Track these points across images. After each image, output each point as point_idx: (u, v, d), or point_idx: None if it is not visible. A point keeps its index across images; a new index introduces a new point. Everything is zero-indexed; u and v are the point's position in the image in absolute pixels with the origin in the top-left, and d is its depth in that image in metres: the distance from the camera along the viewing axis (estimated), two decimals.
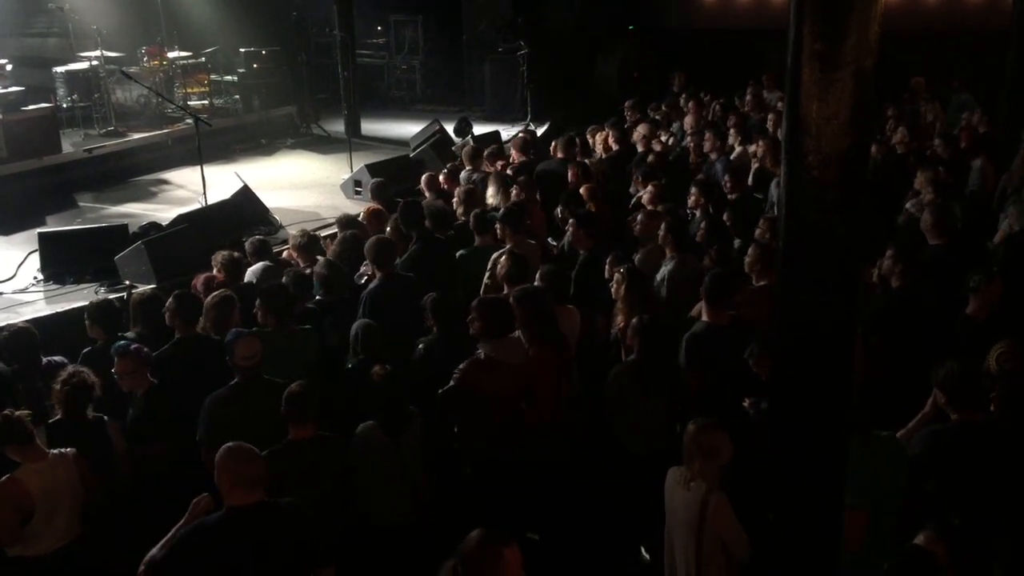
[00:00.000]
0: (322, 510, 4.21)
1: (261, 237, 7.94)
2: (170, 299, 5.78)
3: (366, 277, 6.79)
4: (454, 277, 6.93)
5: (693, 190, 7.93)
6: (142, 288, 7.29)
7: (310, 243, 7.25)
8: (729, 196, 8.01)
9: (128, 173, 12.03)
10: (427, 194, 8.75)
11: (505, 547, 3.14)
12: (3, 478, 4.39)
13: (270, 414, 4.70)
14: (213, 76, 14.35)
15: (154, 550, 3.99)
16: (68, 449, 4.60)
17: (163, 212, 9.88)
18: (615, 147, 10.54)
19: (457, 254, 7.12)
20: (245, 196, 9.71)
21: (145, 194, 11.42)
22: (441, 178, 9.12)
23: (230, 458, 3.86)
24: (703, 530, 4.07)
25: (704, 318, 5.61)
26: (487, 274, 6.61)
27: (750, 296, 5.94)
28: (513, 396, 5.26)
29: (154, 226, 8.77)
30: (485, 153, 9.82)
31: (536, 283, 6.00)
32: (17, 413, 4.49)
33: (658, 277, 6.56)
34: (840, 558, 3.75)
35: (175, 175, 12.00)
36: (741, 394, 5.06)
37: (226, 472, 3.84)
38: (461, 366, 5.20)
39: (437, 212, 7.49)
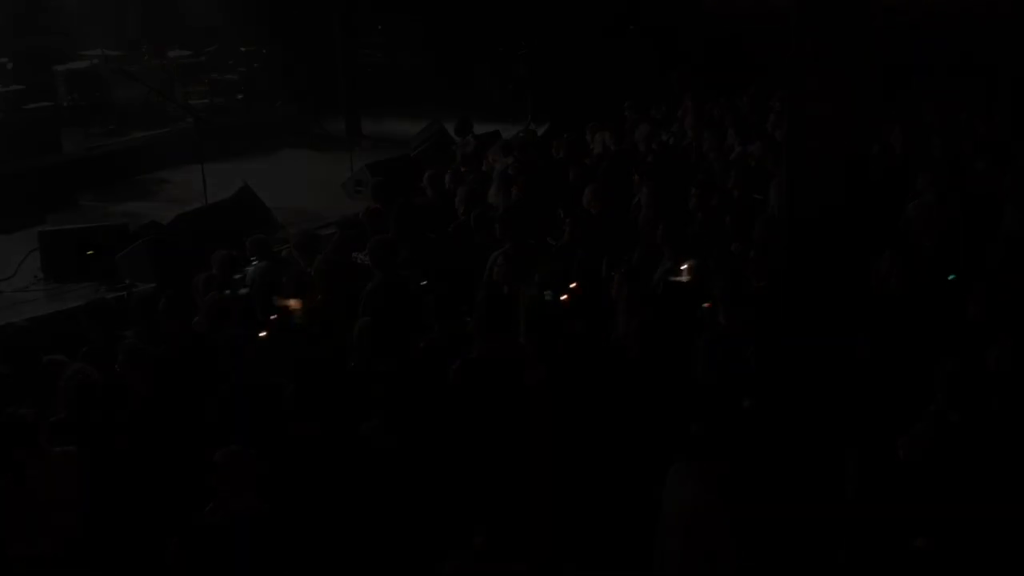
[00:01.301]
0: (323, 510, 4.21)
1: (261, 237, 7.94)
2: (161, 300, 5.80)
3: (360, 257, 6.84)
4: (450, 277, 6.92)
5: (693, 190, 7.93)
6: (142, 288, 7.30)
7: (310, 243, 7.26)
8: (729, 196, 8.01)
9: (129, 172, 12.01)
10: (429, 192, 8.76)
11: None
12: (4, 477, 4.39)
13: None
14: (214, 75, 14.34)
15: None
16: (70, 448, 4.60)
17: (163, 212, 9.88)
18: (615, 147, 10.53)
19: (455, 255, 7.12)
20: (245, 196, 9.72)
21: (145, 193, 11.43)
22: (446, 178, 9.12)
23: (228, 459, 3.86)
24: (692, 532, 4.07)
25: (721, 321, 5.55)
26: (485, 274, 6.61)
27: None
28: (507, 396, 5.25)
29: (154, 225, 8.77)
30: (490, 152, 9.82)
31: (536, 283, 5.99)
32: (20, 412, 4.49)
33: (655, 276, 6.56)
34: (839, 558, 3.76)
35: (175, 174, 11.98)
36: (745, 395, 5.05)
37: (224, 473, 3.85)
38: (452, 366, 5.20)
39: (430, 213, 7.50)
